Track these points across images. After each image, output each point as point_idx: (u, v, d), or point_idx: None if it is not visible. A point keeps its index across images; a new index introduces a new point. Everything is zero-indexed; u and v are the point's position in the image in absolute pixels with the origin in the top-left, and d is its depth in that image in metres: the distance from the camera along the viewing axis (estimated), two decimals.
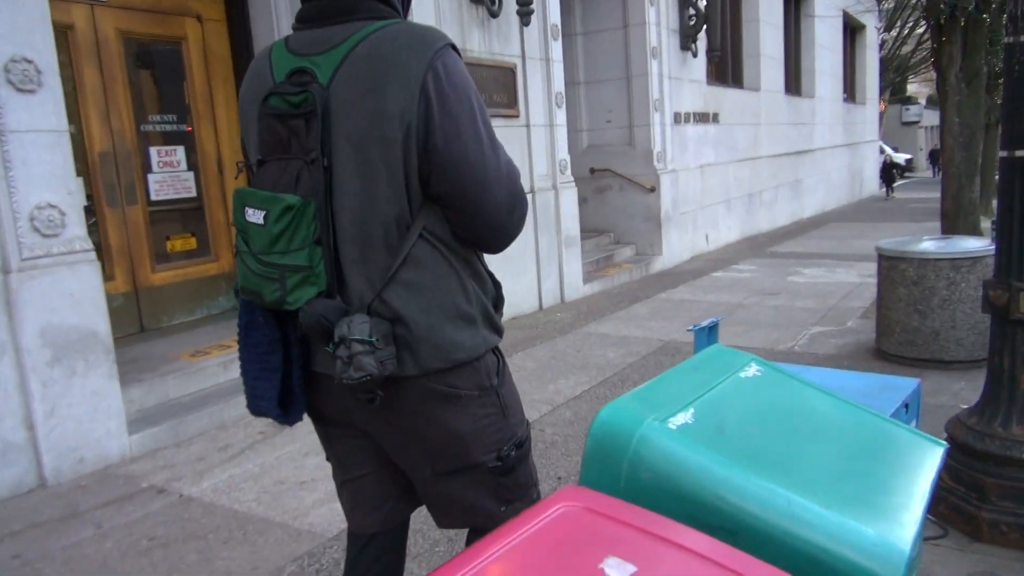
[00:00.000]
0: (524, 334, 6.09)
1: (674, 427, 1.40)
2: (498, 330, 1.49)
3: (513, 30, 6.61)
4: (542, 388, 4.62)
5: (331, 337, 1.32)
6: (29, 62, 3.31)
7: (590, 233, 9.56)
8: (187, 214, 5.73)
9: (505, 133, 6.58)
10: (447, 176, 1.35)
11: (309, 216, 1.33)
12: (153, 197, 5.42)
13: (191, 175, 5.67)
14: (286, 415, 1.48)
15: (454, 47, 1.39)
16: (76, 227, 3.52)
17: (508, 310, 6.54)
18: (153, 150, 5.42)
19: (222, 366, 4.52)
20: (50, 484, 3.39)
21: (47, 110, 3.39)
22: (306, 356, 1.46)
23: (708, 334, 2.53)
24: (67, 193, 3.48)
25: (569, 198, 7.39)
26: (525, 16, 6.09)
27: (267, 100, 1.38)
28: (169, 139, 5.58)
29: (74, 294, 3.46)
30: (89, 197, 5.00)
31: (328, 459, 1.69)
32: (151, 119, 5.48)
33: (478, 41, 6.24)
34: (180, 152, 5.60)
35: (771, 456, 1.40)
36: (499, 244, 1.49)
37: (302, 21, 1.43)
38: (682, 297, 7.31)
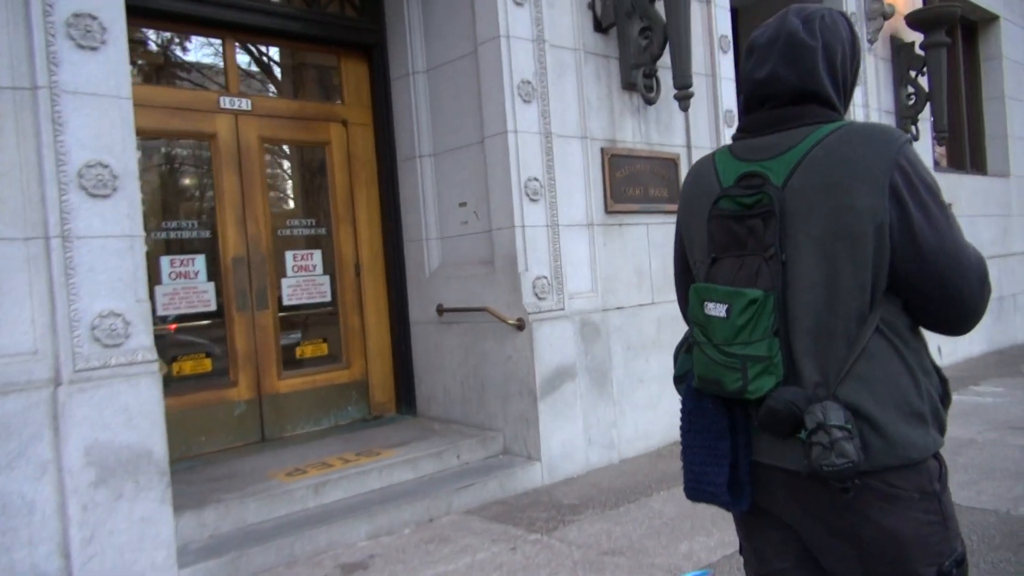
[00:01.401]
0: (677, 466, 5.08)
1: None
2: (944, 430, 1.48)
3: (675, 118, 5.93)
4: None
5: (798, 426, 1.39)
6: (105, 167, 3.20)
7: None
8: (320, 319, 5.56)
9: (665, 230, 5.82)
10: (926, 266, 1.40)
11: (769, 309, 1.43)
12: (285, 302, 5.31)
13: (326, 279, 5.52)
14: (735, 501, 1.56)
15: (910, 141, 1.44)
16: (142, 337, 3.30)
17: (668, 433, 5.60)
18: (289, 254, 5.34)
19: (312, 489, 4.09)
20: None
21: (120, 214, 3.26)
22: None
23: None
24: (135, 301, 3.29)
25: None
26: (683, 100, 5.43)
27: (717, 203, 1.53)
28: (306, 243, 5.50)
29: (130, 409, 3.20)
30: (219, 303, 4.96)
31: (741, 552, 1.74)
32: (289, 223, 5.44)
33: (631, 131, 5.64)
34: (316, 256, 5.49)
35: None
36: (970, 325, 1.49)
37: (746, 131, 1.59)
38: None
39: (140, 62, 4.94)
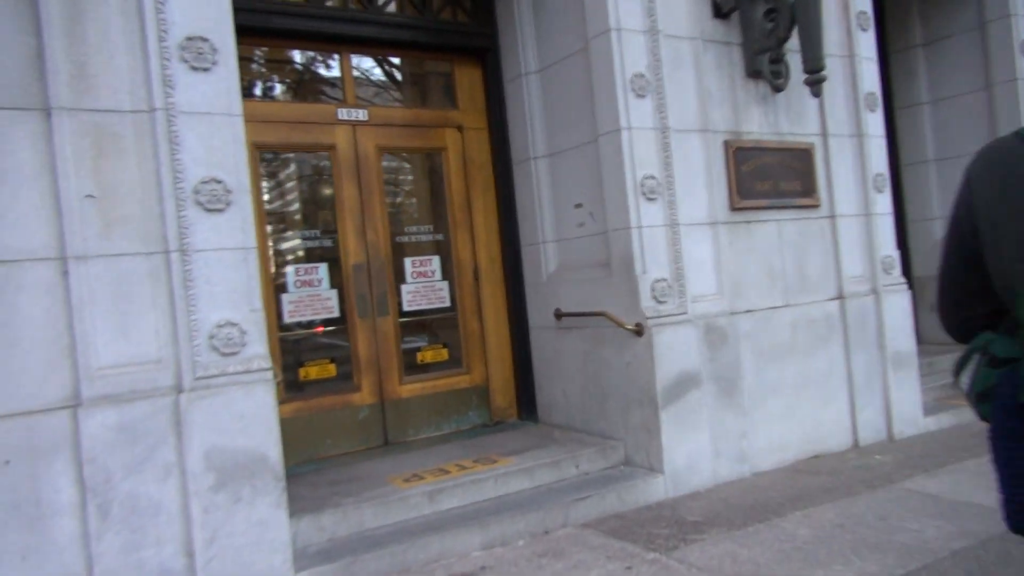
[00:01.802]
0: (816, 482, 4.70)
1: None
2: None
3: (808, 104, 5.50)
4: None
5: None
6: (219, 182, 3.32)
7: (949, 346, 7.55)
8: (440, 324, 5.59)
9: (799, 227, 5.41)
10: None
11: None
12: (405, 307, 5.37)
13: (445, 285, 5.54)
14: None
15: None
16: (257, 345, 3.40)
17: (806, 446, 5.20)
18: (407, 260, 5.40)
19: (427, 496, 4.08)
20: None
21: (234, 227, 3.37)
22: None
23: None
24: (250, 311, 3.39)
25: (898, 305, 5.80)
26: (815, 86, 5.00)
27: None
28: (424, 249, 5.54)
29: (245, 416, 3.30)
30: (342, 309, 5.09)
31: None
32: (407, 230, 5.50)
33: (758, 121, 5.27)
34: (435, 262, 5.52)
35: None
36: None
37: None
38: None
39: (260, 80, 5.15)
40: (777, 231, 5.30)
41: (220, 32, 3.42)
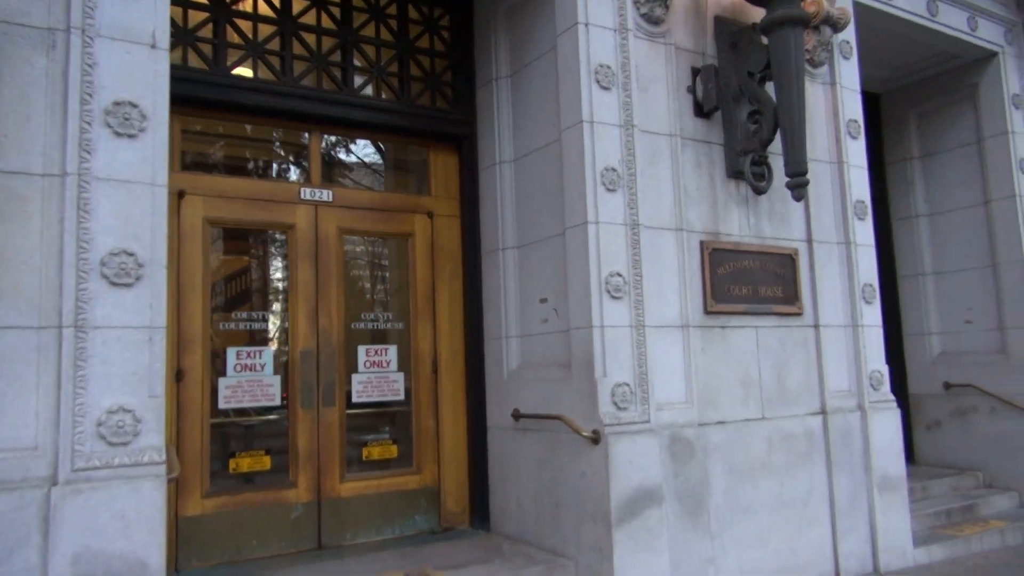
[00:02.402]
0: None
1: None
2: None
3: (793, 208, 5.28)
4: None
5: None
6: (130, 255, 3.09)
7: (944, 470, 7.12)
8: (391, 419, 5.24)
9: (779, 335, 5.10)
10: None
11: None
12: (355, 399, 5.04)
13: (401, 376, 5.22)
14: None
15: None
16: (152, 435, 3.08)
17: (783, 575, 4.71)
18: (362, 348, 5.10)
19: None
20: None
21: (142, 304, 3.11)
22: None
23: None
24: (148, 396, 3.09)
25: (886, 423, 5.41)
26: (796, 190, 4.79)
27: None
28: (381, 337, 5.25)
29: (127, 515, 2.95)
30: (283, 397, 4.76)
31: None
32: (364, 316, 5.24)
33: (739, 223, 5.04)
34: (392, 352, 5.22)
35: None
36: None
37: None
38: None
39: (220, 153, 5.01)
40: (755, 338, 4.99)
41: (153, 98, 3.26)
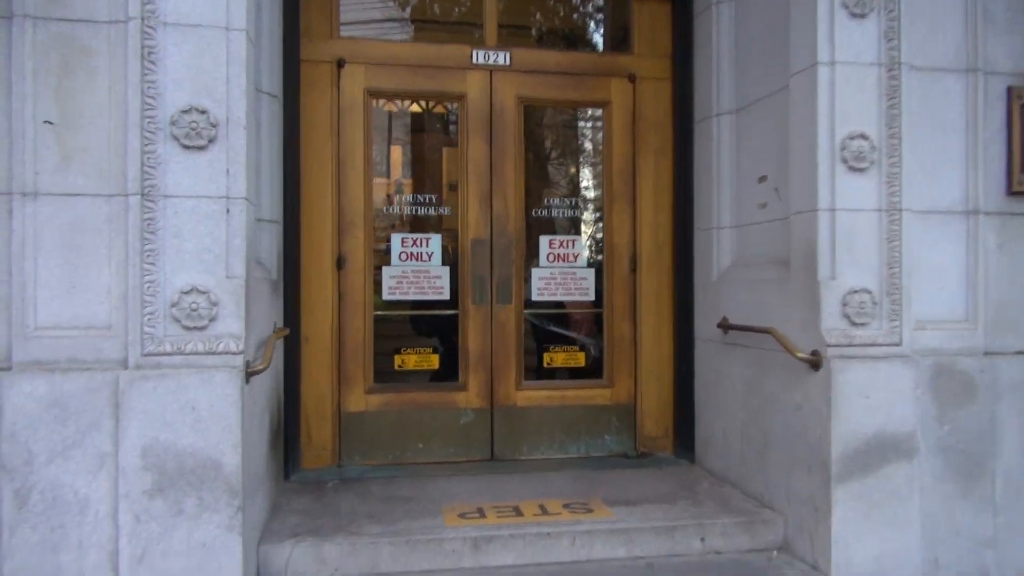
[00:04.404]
0: None
1: None
2: None
3: None
4: None
5: None
6: (202, 112, 2.64)
7: None
8: (578, 322, 4.49)
9: None
10: None
11: None
12: (535, 297, 4.36)
13: (591, 273, 4.42)
14: None
15: None
16: (230, 321, 2.68)
17: None
18: (544, 239, 4.38)
19: (472, 544, 3.09)
20: None
21: (216, 171, 2.67)
22: None
23: None
24: (226, 276, 2.68)
25: None
26: None
27: None
28: (567, 227, 4.47)
29: (198, 408, 2.61)
30: (453, 291, 4.25)
31: None
32: (548, 202, 4.48)
33: None
34: (580, 244, 4.42)
35: None
36: None
37: None
38: None
39: (378, 14, 4.46)
40: None
41: None
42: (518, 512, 3.39)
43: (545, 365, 4.42)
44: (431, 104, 4.39)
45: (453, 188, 4.33)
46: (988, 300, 3.25)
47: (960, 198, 3.25)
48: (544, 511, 3.40)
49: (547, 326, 4.49)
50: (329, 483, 3.80)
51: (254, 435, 2.97)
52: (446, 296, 4.24)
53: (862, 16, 3.12)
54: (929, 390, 3.15)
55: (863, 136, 3.11)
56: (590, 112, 4.53)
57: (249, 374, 2.72)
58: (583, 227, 4.52)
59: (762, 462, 3.54)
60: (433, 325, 4.32)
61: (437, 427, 4.21)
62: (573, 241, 4.42)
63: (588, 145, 4.66)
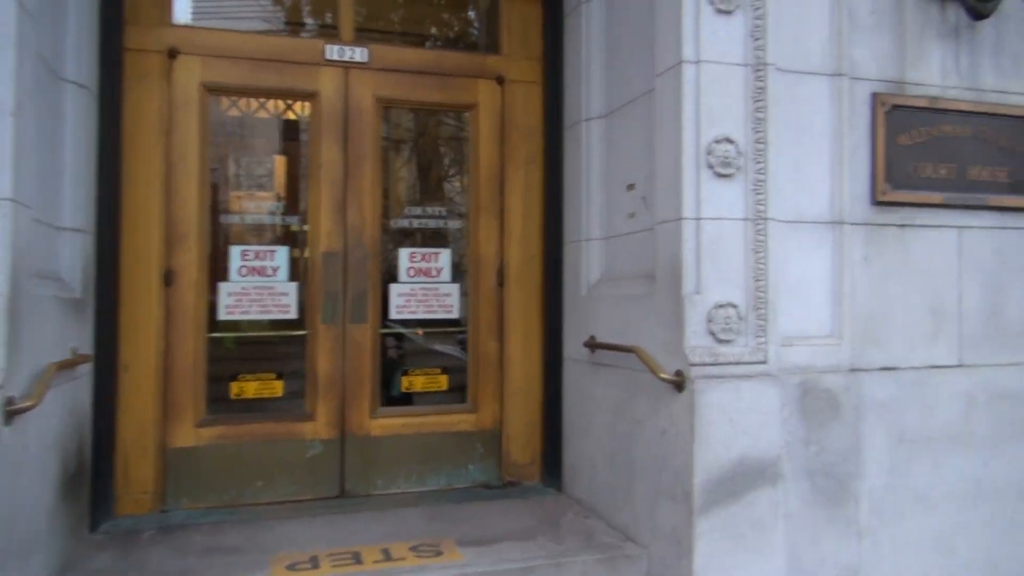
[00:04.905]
0: None
1: None
2: None
3: None
4: None
5: None
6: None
7: None
8: (440, 341, 4.16)
9: (1000, 241, 3.36)
10: None
11: None
12: (394, 315, 4.00)
13: (455, 289, 4.09)
14: None
15: None
16: None
17: None
18: (404, 252, 4.03)
19: None
20: None
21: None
22: None
23: None
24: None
25: None
26: None
27: None
28: (430, 239, 4.14)
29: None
30: (301, 309, 3.83)
31: None
32: (408, 211, 4.15)
33: (939, 67, 3.29)
34: (444, 257, 4.09)
35: None
36: None
37: None
38: None
39: (225, 3, 4.04)
40: (956, 244, 3.29)
41: None
42: (357, 560, 2.99)
43: (404, 390, 4.05)
44: (278, 103, 3.97)
45: (303, 196, 3.92)
46: (854, 315, 3.11)
47: (827, 208, 3.11)
48: (388, 556, 3.02)
49: (407, 346, 4.13)
50: (145, 533, 3.29)
51: (26, 486, 2.47)
52: (293, 315, 3.82)
53: (728, 12, 2.94)
54: (796, 410, 2.98)
55: (729, 140, 2.92)
56: (457, 116, 4.21)
57: (10, 413, 2.23)
58: (449, 239, 4.19)
59: (629, 492, 3.28)
60: (277, 347, 3.88)
61: (280, 462, 3.76)
62: (437, 254, 4.08)
63: (455, 152, 4.34)
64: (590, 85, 3.79)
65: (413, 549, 3.10)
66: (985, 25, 3.33)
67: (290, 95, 3.92)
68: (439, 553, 3.06)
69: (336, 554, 3.04)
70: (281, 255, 3.81)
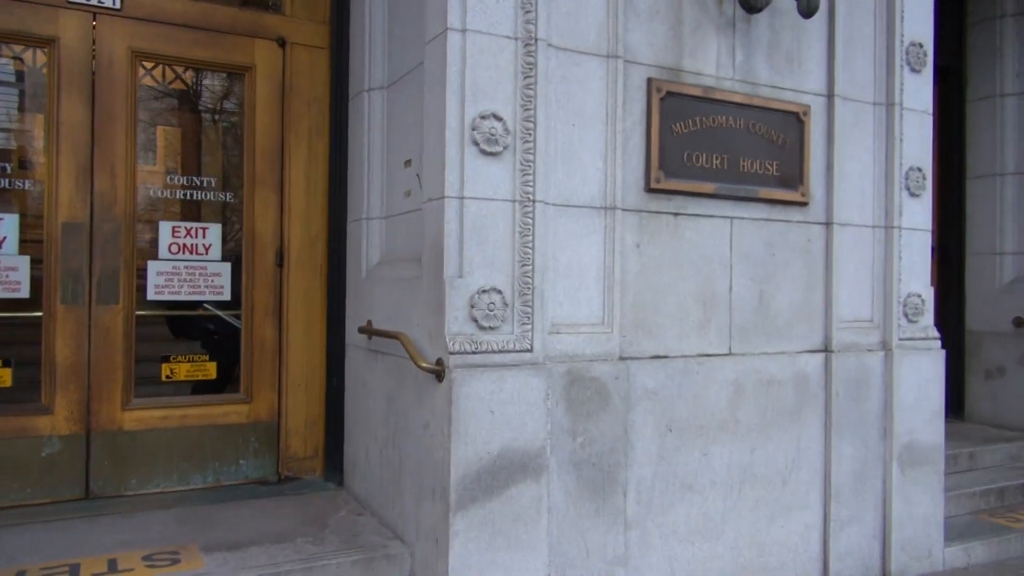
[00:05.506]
0: None
1: None
2: None
3: (809, 44, 3.50)
4: None
5: None
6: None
7: (1003, 432, 5.44)
8: (208, 326, 3.79)
9: (767, 233, 3.42)
10: None
11: None
12: (153, 295, 3.59)
13: (226, 268, 3.73)
14: None
15: None
16: None
17: None
18: (166, 226, 3.62)
19: None
20: None
21: None
22: None
23: None
24: None
25: (921, 370, 3.73)
26: (809, 12, 3.04)
27: None
28: (196, 212, 3.75)
29: None
30: (34, 288, 3.34)
31: None
32: (172, 180, 3.72)
33: (716, 58, 3.30)
34: (213, 233, 3.72)
35: None
36: None
37: None
38: None
39: None
40: (728, 234, 3.32)
41: None
42: (74, 574, 2.62)
43: (165, 378, 3.66)
44: (11, 47, 3.43)
45: (37, 157, 3.42)
46: (625, 302, 3.07)
47: (599, 192, 3.03)
48: (112, 568, 2.67)
49: (168, 331, 3.73)
50: None
51: None
52: (24, 293, 3.33)
53: None
54: (563, 400, 2.89)
55: (497, 116, 2.76)
56: (234, 78, 3.83)
57: None
58: (223, 214, 3.81)
59: (399, 487, 3.09)
60: (6, 332, 3.38)
61: (9, 462, 3.28)
62: (204, 230, 3.70)
63: (232, 118, 3.96)
64: (372, 53, 3.54)
65: (147, 559, 2.76)
66: (760, 20, 3.37)
67: (26, 39, 3.39)
68: (176, 562, 2.74)
69: (50, 568, 2.65)
70: (8, 225, 3.31)
